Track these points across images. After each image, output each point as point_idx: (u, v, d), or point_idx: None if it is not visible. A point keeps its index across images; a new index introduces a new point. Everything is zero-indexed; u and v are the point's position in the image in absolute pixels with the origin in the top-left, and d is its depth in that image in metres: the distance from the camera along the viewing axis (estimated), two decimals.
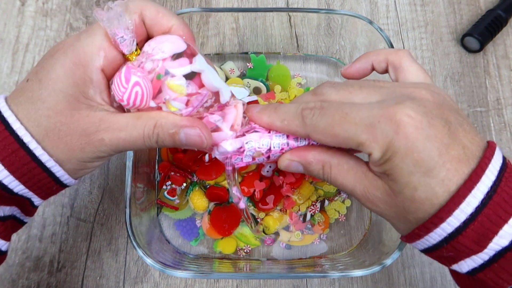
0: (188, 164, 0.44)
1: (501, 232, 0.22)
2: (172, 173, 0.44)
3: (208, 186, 0.44)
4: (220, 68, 0.49)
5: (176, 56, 0.26)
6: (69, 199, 0.46)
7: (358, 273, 0.36)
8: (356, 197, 0.27)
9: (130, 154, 0.38)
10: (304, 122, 0.26)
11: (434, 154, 0.22)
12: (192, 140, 0.27)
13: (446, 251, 0.24)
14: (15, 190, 0.26)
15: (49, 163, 0.26)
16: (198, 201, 0.44)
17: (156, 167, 0.46)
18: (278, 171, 0.44)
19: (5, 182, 0.26)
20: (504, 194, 0.22)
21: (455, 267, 0.25)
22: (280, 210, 0.44)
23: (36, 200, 0.28)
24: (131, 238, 0.36)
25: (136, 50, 0.27)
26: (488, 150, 0.23)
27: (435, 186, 0.23)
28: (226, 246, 0.44)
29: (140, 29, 0.27)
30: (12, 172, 0.25)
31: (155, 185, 0.45)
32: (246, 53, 0.50)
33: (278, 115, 0.28)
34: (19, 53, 0.51)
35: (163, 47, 0.26)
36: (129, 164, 0.38)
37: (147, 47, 0.27)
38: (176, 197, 0.44)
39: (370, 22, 0.43)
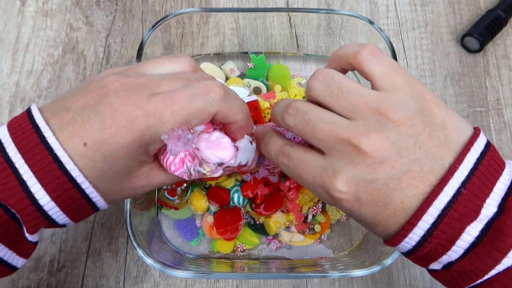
0: None
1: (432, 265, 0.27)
2: None
3: (208, 187, 0.44)
4: (220, 68, 0.49)
5: (221, 163, 0.30)
6: None
7: (358, 273, 0.36)
8: None
9: None
10: (280, 166, 0.30)
11: (368, 218, 0.26)
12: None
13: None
14: (61, 222, 0.28)
15: (96, 198, 0.28)
16: (198, 202, 0.43)
17: None
18: (284, 177, 0.44)
19: (54, 216, 0.27)
20: (434, 242, 0.25)
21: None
22: (282, 211, 0.44)
23: (70, 223, 0.30)
24: (131, 238, 0.36)
25: None
26: (430, 196, 0.24)
27: (378, 232, 0.27)
28: (224, 245, 0.44)
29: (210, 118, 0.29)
30: (63, 208, 0.27)
31: None
32: (246, 53, 0.50)
33: (267, 151, 0.31)
34: (19, 53, 0.51)
35: (212, 159, 0.30)
36: None
37: (201, 143, 0.29)
38: (176, 197, 0.44)
39: (370, 22, 0.43)
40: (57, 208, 0.26)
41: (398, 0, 0.55)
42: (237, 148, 0.31)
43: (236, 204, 0.44)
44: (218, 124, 0.31)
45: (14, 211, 0.26)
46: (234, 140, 0.32)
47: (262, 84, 0.48)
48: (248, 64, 0.50)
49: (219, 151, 0.29)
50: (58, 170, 0.25)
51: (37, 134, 0.25)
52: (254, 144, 0.33)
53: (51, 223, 0.27)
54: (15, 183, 0.25)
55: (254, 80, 0.48)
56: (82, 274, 0.43)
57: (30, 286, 0.43)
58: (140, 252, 0.35)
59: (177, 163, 0.29)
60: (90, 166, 0.26)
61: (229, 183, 0.44)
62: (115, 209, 0.46)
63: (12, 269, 0.29)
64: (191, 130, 0.28)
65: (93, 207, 0.29)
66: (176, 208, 0.44)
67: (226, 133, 0.31)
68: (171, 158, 0.29)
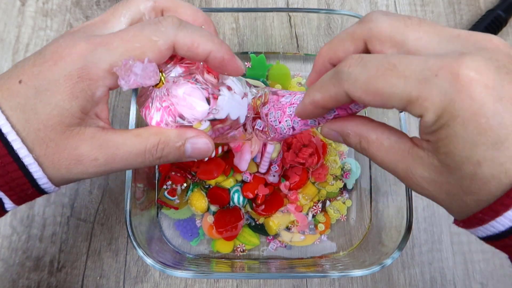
0: (188, 165, 0.44)
1: None
2: (173, 173, 0.44)
3: (208, 187, 0.44)
4: None
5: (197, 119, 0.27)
6: (69, 199, 0.46)
7: (358, 273, 0.36)
8: (398, 177, 0.23)
9: None
10: (340, 79, 0.22)
11: (507, 121, 0.18)
12: (198, 149, 0.27)
13: None
14: None
15: (27, 159, 0.23)
16: (198, 203, 0.44)
17: (156, 167, 0.46)
18: (284, 177, 0.44)
19: None
20: None
21: None
22: (282, 211, 0.44)
23: (7, 203, 0.25)
24: (131, 238, 0.36)
25: (160, 81, 0.25)
26: None
27: (506, 161, 0.18)
28: (224, 245, 0.44)
29: (170, 52, 0.25)
30: None
31: (155, 185, 0.45)
32: (246, 53, 0.50)
33: (317, 87, 0.24)
34: (19, 53, 0.51)
35: (189, 116, 0.26)
36: None
37: (178, 90, 0.26)
38: (176, 197, 0.44)
39: None
40: None
41: (398, 0, 0.55)
42: (216, 98, 0.28)
43: (236, 204, 0.44)
44: (198, 67, 0.27)
45: None
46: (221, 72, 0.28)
47: (262, 84, 0.48)
48: (247, 63, 0.50)
49: (187, 110, 0.26)
50: None
51: None
52: (245, 99, 0.31)
53: None
54: None
55: (254, 79, 0.48)
56: (82, 274, 0.43)
57: (30, 286, 0.43)
58: (140, 252, 0.35)
59: (154, 118, 0.26)
60: (22, 105, 0.23)
61: (229, 183, 0.44)
62: (115, 209, 0.46)
63: None
64: (163, 77, 0.25)
65: (26, 174, 0.23)
66: (176, 208, 0.44)
67: (215, 72, 0.28)
68: (152, 111, 0.27)
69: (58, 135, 0.23)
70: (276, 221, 0.44)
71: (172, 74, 0.27)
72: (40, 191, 0.25)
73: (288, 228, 0.45)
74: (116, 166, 0.25)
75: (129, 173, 0.37)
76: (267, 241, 0.45)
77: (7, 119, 0.23)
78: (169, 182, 0.44)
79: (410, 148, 0.22)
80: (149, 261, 0.35)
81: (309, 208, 0.45)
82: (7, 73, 0.24)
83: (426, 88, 0.19)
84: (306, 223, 0.44)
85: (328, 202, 0.45)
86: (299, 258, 0.44)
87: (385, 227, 0.41)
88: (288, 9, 0.50)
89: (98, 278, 0.43)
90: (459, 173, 0.20)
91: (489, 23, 0.50)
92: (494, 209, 0.19)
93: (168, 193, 0.44)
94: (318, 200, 0.45)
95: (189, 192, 0.44)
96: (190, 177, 0.45)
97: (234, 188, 0.44)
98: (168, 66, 0.27)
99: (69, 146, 0.24)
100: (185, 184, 0.45)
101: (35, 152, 0.23)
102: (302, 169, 0.44)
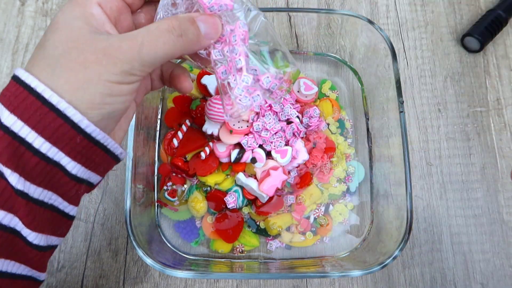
0: (185, 169, 0.44)
1: None
2: (174, 174, 0.44)
3: (207, 190, 0.44)
4: None
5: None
6: None
7: (358, 273, 0.36)
8: None
9: (130, 154, 0.38)
10: None
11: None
12: (210, 26, 0.28)
13: None
14: (49, 154, 0.24)
15: (73, 114, 0.24)
16: (197, 205, 0.43)
17: (156, 168, 0.46)
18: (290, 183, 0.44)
19: (34, 143, 0.23)
20: None
21: None
22: (283, 211, 0.44)
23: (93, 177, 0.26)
24: (131, 238, 0.36)
25: None
26: None
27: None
28: (223, 245, 0.44)
29: None
30: (27, 121, 0.23)
31: (154, 186, 0.45)
32: None
33: None
34: (19, 53, 0.51)
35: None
36: (129, 164, 0.38)
37: None
38: (177, 198, 0.44)
39: (370, 22, 0.43)
40: (20, 122, 0.23)
41: (398, 0, 0.55)
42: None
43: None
44: None
45: None
46: None
47: None
48: None
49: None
50: (20, 88, 0.24)
51: (12, 79, 0.25)
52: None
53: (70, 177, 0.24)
54: None
55: None
56: (82, 274, 0.43)
57: None
58: (140, 252, 0.35)
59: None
60: (42, 55, 0.24)
61: (228, 184, 0.44)
62: (115, 209, 0.46)
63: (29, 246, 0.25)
64: None
65: (73, 126, 0.24)
66: (176, 209, 0.44)
67: None
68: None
69: (89, 41, 0.25)
70: (276, 222, 0.44)
71: None
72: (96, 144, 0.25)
73: (288, 229, 0.45)
74: (160, 51, 0.26)
75: (128, 174, 0.37)
76: (267, 241, 0.45)
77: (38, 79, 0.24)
78: (170, 183, 0.44)
79: None
80: (149, 261, 0.35)
81: (311, 210, 0.45)
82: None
83: None
84: (308, 226, 0.44)
85: (331, 206, 0.45)
86: (299, 258, 0.44)
87: (385, 227, 0.41)
88: (288, 9, 0.50)
89: (98, 278, 0.43)
90: None
91: (489, 23, 0.50)
92: None
93: (168, 194, 0.44)
94: (321, 203, 0.45)
95: (187, 193, 0.44)
96: (190, 179, 0.45)
97: (234, 188, 0.44)
98: None
99: (117, 43, 0.25)
100: (185, 186, 0.45)
101: (72, 60, 0.24)
102: (305, 169, 0.44)
